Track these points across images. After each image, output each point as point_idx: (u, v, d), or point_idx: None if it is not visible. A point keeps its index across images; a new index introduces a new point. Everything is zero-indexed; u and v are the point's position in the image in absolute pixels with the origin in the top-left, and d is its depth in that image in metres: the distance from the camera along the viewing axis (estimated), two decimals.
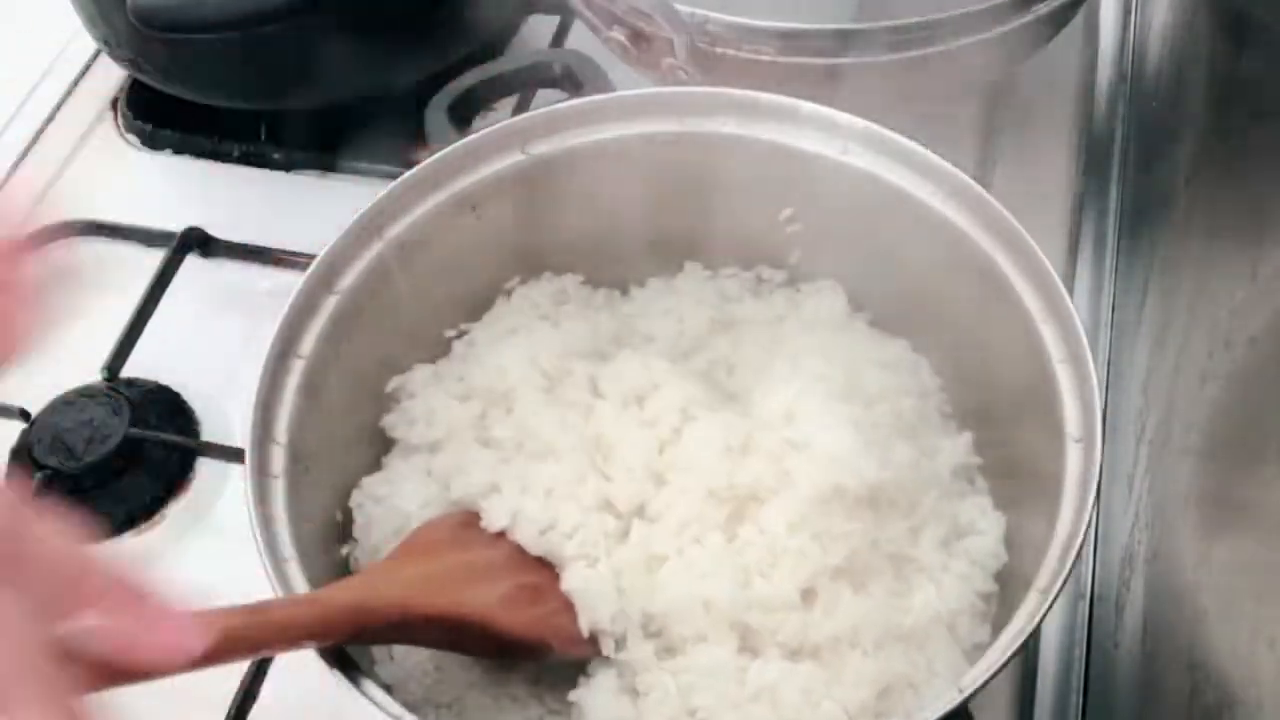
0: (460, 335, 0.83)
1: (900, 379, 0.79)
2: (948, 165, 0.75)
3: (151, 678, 0.56)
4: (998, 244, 0.73)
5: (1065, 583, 0.61)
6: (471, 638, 0.67)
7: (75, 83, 1.17)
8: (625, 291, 0.86)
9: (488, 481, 0.74)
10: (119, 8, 0.93)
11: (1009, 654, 0.59)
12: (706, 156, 0.80)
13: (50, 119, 1.15)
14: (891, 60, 0.86)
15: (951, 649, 0.70)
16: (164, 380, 0.96)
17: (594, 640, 0.69)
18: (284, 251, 1.00)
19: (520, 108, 1.01)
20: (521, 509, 0.72)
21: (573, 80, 0.87)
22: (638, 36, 0.91)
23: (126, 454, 0.90)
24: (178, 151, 1.12)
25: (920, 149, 0.75)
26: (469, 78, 0.88)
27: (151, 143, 1.12)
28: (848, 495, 0.70)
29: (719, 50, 0.88)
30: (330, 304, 0.74)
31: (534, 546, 0.71)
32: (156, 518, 0.90)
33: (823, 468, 0.70)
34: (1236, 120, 0.74)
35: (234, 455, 0.89)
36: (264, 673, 0.79)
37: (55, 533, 0.50)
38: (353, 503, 0.76)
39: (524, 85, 0.92)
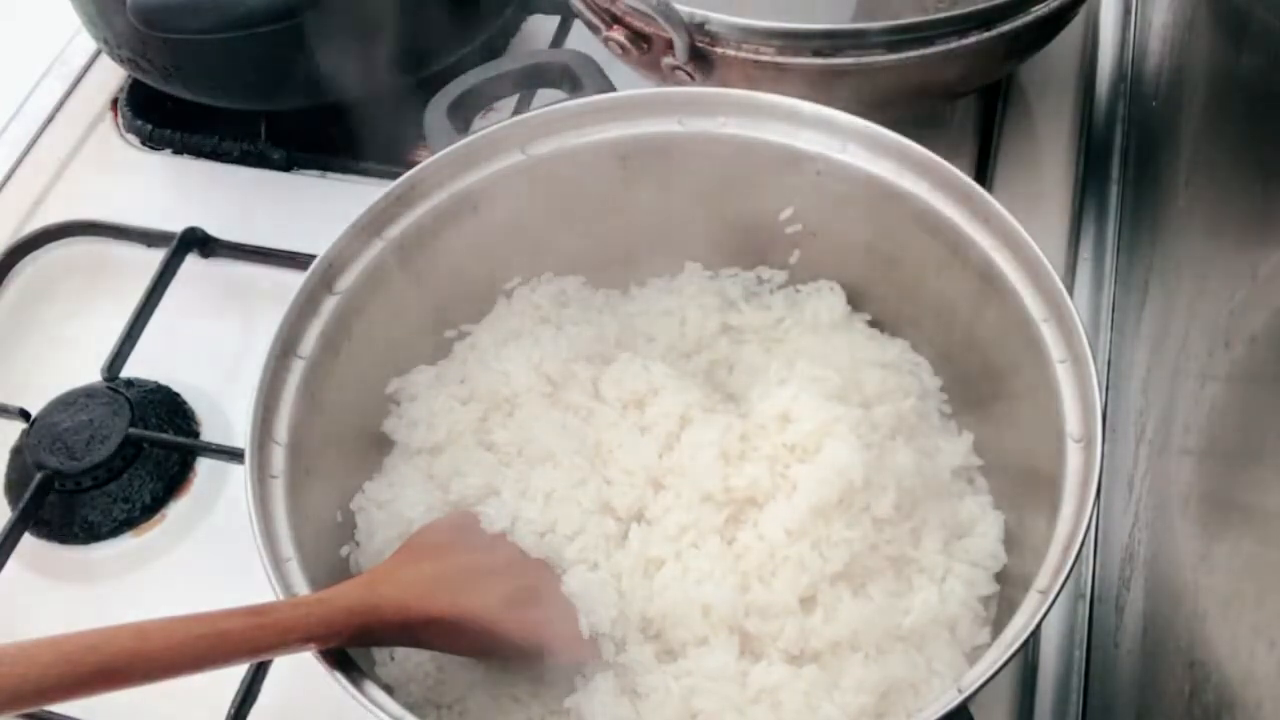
0: (461, 336, 0.83)
1: (900, 379, 0.79)
2: (948, 165, 0.75)
3: (153, 681, 0.56)
4: (998, 244, 0.73)
5: (1065, 583, 0.61)
6: (472, 639, 0.67)
7: (75, 83, 1.17)
8: (625, 292, 0.86)
9: (488, 485, 0.75)
10: (119, 8, 0.93)
11: (1009, 654, 0.59)
12: (706, 156, 0.80)
13: (50, 119, 1.15)
14: (891, 60, 0.86)
15: (952, 649, 0.70)
16: (164, 380, 0.96)
17: (594, 642, 0.69)
18: (284, 251, 1.00)
19: (520, 108, 1.01)
20: (521, 512, 0.72)
21: (573, 80, 0.87)
22: (638, 36, 0.91)
23: (126, 454, 0.91)
24: (178, 151, 1.12)
25: (920, 149, 0.75)
26: (469, 78, 0.88)
27: (151, 143, 1.12)
28: (848, 504, 0.70)
29: (719, 50, 0.88)
30: (330, 304, 0.74)
31: (534, 549, 0.71)
32: (156, 518, 0.90)
33: (822, 477, 0.70)
34: (1236, 120, 0.74)
35: (234, 455, 0.89)
36: (264, 673, 0.79)
37: None
38: (355, 507, 0.76)
39: (524, 85, 0.92)
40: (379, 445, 0.79)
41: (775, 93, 0.78)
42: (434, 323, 0.82)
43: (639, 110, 0.80)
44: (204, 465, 0.92)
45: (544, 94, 0.95)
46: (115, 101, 1.16)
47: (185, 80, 1.04)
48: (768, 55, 0.87)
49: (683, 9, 0.87)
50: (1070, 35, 1.01)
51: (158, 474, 0.91)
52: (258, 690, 0.79)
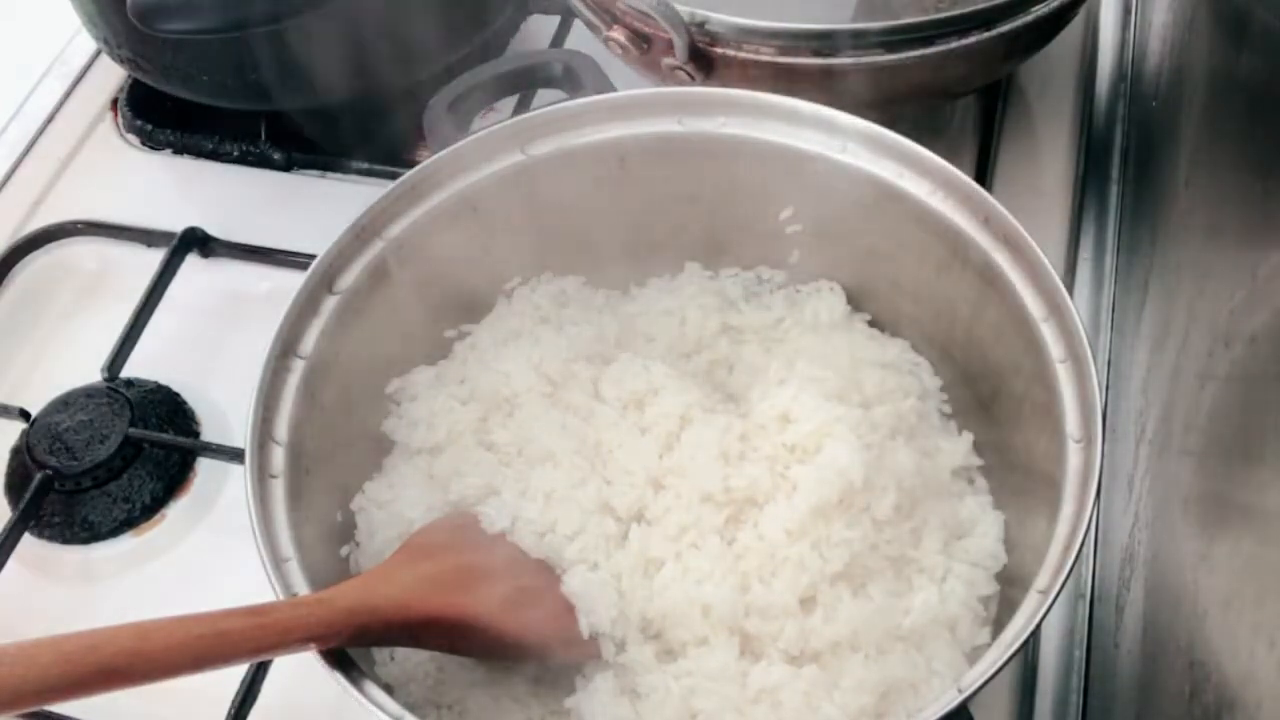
0: (461, 336, 0.83)
1: (900, 379, 0.79)
2: (948, 165, 0.75)
3: (153, 681, 0.56)
4: (998, 244, 0.73)
5: (1065, 583, 0.61)
6: (472, 639, 0.67)
7: (75, 83, 1.17)
8: (625, 292, 0.86)
9: (488, 485, 0.75)
10: (119, 8, 0.92)
11: (1009, 654, 0.59)
12: (706, 156, 0.80)
13: (50, 119, 1.15)
14: (891, 60, 0.86)
15: (952, 650, 0.70)
16: (164, 380, 0.96)
17: (594, 642, 0.69)
18: (284, 251, 1.00)
19: (520, 108, 1.01)
20: (521, 512, 0.72)
21: (573, 80, 0.87)
22: (638, 36, 0.91)
23: (126, 454, 0.91)
24: (178, 151, 1.12)
25: (920, 149, 0.75)
26: (469, 78, 0.88)
27: (151, 143, 1.12)
28: (848, 504, 0.70)
29: (719, 50, 0.88)
30: (330, 304, 0.74)
31: (534, 549, 0.71)
32: (156, 518, 0.90)
33: (822, 477, 0.70)
34: (1236, 120, 0.74)
35: (234, 455, 0.89)
36: (264, 674, 0.79)
37: None
38: (355, 507, 0.76)
39: (524, 85, 0.92)
40: (379, 445, 0.79)
41: (775, 93, 0.78)
42: (434, 323, 0.82)
43: (639, 110, 0.80)
44: (204, 465, 0.92)
45: (544, 94, 0.95)
46: (115, 101, 1.16)
47: (185, 80, 1.04)
48: (768, 55, 0.87)
49: (683, 9, 0.87)
50: (1070, 35, 1.01)
51: (158, 474, 0.91)
52: (258, 690, 0.79)
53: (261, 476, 0.67)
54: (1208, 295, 0.71)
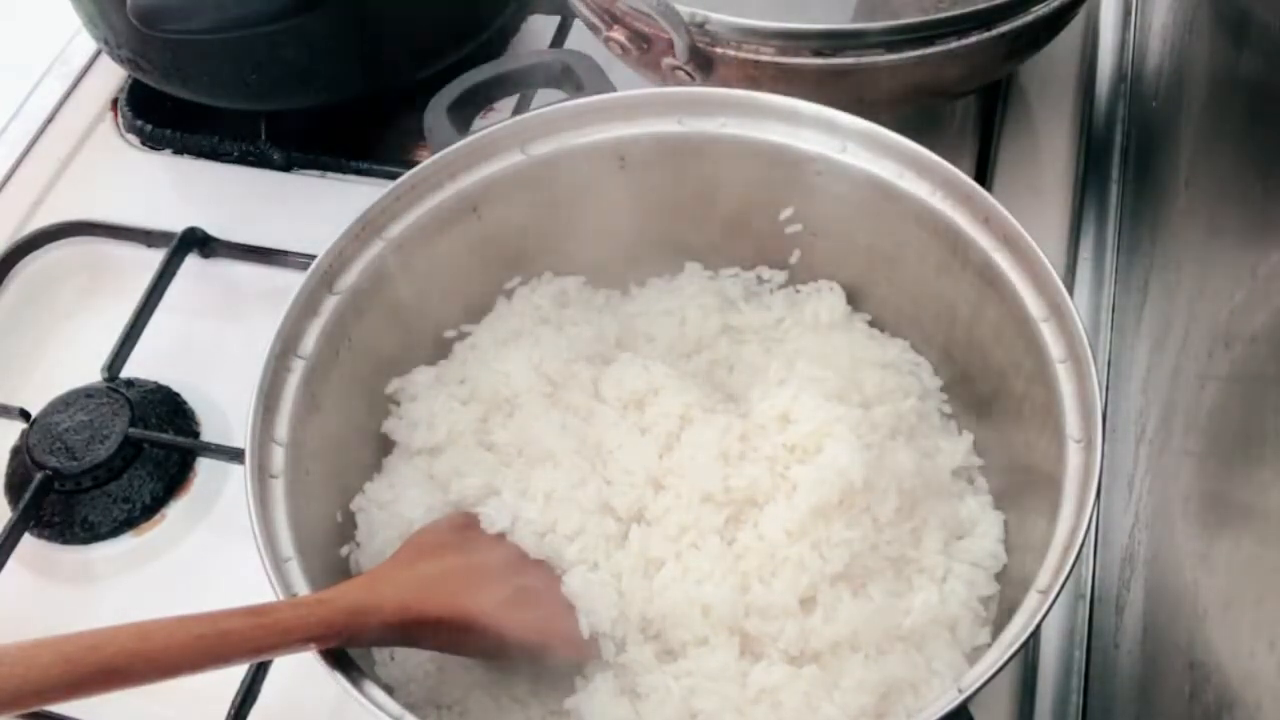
0: (461, 337, 0.83)
1: (900, 379, 0.79)
2: (948, 165, 0.75)
3: (153, 681, 0.56)
4: (997, 244, 0.73)
5: (1065, 583, 0.61)
6: (472, 639, 0.67)
7: (75, 83, 1.17)
8: (625, 292, 0.86)
9: (488, 485, 0.75)
10: (119, 8, 0.93)
11: (1009, 654, 0.59)
12: (706, 156, 0.80)
13: (50, 119, 1.15)
14: (891, 60, 0.86)
15: (952, 650, 0.70)
16: (164, 380, 0.96)
17: (594, 642, 0.69)
18: (284, 251, 1.00)
19: (520, 108, 1.01)
20: (521, 512, 0.72)
21: (573, 80, 0.87)
22: (638, 36, 0.91)
23: (126, 454, 0.91)
24: (178, 151, 1.12)
25: (920, 149, 0.75)
26: (469, 78, 0.88)
27: (151, 143, 1.12)
28: (848, 504, 0.70)
29: (719, 50, 0.88)
30: (330, 304, 0.74)
31: (534, 549, 0.71)
32: (156, 518, 0.90)
33: (822, 478, 0.70)
34: (1236, 120, 0.74)
35: (234, 455, 0.89)
36: (264, 674, 0.79)
37: None
38: (355, 507, 0.76)
39: (524, 85, 0.92)
40: (379, 445, 0.79)
41: (775, 93, 0.78)
42: (434, 322, 0.82)
43: (639, 110, 0.80)
44: (204, 465, 0.92)
45: (544, 94, 0.95)
46: (115, 101, 1.16)
47: (185, 80, 1.04)
48: (768, 55, 0.87)
49: (683, 9, 0.87)
50: (1070, 35, 1.01)
51: (158, 474, 0.91)
52: (258, 690, 0.79)
53: (261, 476, 0.67)
54: (1208, 295, 0.71)
